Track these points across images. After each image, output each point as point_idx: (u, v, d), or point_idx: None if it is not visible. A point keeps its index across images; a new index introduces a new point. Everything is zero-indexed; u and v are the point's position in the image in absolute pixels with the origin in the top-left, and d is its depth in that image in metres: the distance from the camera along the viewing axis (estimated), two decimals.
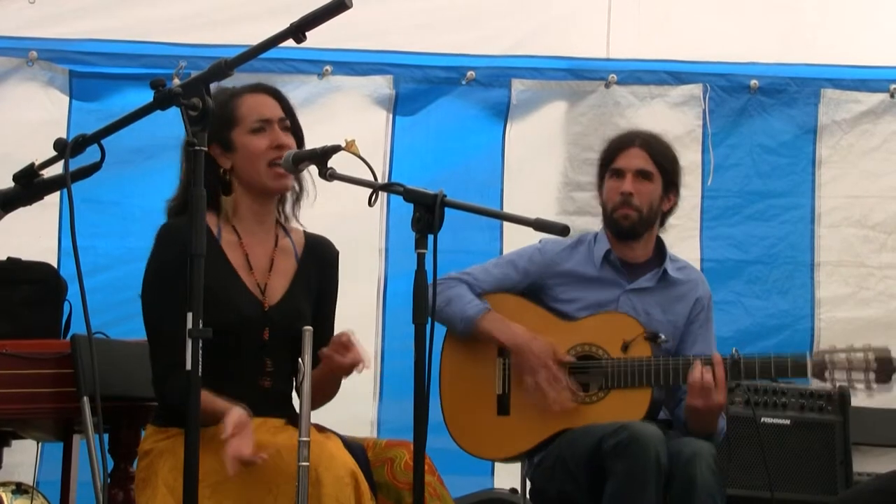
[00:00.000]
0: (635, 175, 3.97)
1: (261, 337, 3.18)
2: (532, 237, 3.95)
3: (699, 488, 3.48)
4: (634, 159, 3.98)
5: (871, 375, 3.66)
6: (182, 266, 3.02)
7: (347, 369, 3.14)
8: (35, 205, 2.79)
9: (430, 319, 2.69)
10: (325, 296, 3.38)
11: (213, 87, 2.67)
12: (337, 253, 3.42)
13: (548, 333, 3.86)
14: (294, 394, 3.16)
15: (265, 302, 3.21)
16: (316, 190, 3.37)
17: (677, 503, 3.51)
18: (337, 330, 3.35)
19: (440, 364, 3.95)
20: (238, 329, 3.11)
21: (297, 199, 3.38)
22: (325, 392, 3.22)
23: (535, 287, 4.00)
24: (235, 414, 2.92)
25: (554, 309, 3.95)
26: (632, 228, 3.97)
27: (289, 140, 3.24)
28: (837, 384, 3.74)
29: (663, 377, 3.77)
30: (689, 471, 3.49)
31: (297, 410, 2.84)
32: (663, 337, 3.84)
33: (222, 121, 3.18)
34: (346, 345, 3.11)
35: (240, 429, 2.90)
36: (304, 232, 3.40)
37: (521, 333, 3.86)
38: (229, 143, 3.22)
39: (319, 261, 3.37)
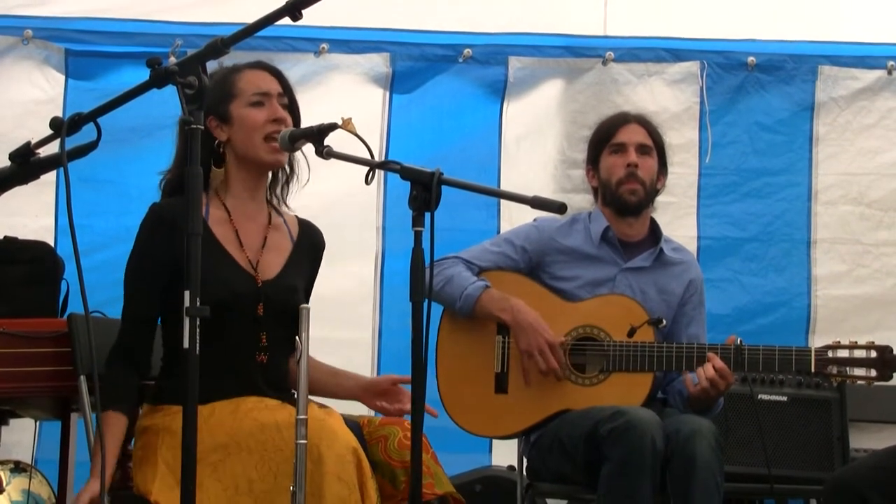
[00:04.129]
0: (637, 149, 3.98)
1: (255, 312, 3.18)
2: (529, 215, 3.95)
3: (699, 466, 3.47)
4: (635, 134, 4.01)
5: (873, 372, 3.67)
6: (165, 249, 3.06)
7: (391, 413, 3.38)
8: (31, 184, 2.79)
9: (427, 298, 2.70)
10: (310, 281, 3.41)
11: (214, 64, 2.66)
12: (325, 243, 3.46)
13: (549, 313, 3.84)
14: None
15: (258, 277, 3.22)
16: (310, 171, 3.37)
17: (677, 481, 3.50)
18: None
19: (437, 342, 3.93)
20: (231, 305, 3.10)
21: (287, 182, 3.38)
22: (322, 392, 3.39)
23: (533, 265, 4.00)
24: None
25: (553, 287, 3.95)
26: (638, 204, 3.97)
27: (286, 116, 3.24)
28: (837, 381, 3.75)
29: (666, 364, 3.77)
30: (688, 448, 3.49)
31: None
32: (664, 322, 3.85)
33: (221, 93, 3.20)
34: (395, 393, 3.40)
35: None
36: (297, 216, 3.43)
37: (523, 309, 3.84)
38: (227, 116, 3.23)
39: (312, 247, 3.41)
